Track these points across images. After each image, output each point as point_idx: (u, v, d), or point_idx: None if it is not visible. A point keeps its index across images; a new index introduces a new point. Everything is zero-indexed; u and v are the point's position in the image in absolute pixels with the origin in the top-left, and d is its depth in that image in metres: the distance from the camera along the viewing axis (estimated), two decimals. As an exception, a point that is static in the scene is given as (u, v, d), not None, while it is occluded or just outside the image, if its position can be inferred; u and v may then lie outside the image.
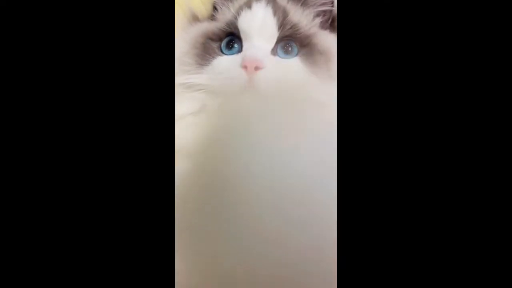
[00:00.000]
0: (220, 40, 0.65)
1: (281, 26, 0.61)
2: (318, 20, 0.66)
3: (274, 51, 0.62)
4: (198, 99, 0.61)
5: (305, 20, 0.64)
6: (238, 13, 0.63)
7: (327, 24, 0.67)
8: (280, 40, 0.62)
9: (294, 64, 0.62)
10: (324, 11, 0.66)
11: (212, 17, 0.69)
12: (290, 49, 0.63)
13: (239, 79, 0.59)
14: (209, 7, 0.71)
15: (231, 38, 0.64)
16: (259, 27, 0.61)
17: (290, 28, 0.62)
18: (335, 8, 0.66)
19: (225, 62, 0.62)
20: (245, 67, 0.58)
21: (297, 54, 0.63)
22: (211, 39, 0.65)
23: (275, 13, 0.62)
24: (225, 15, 0.66)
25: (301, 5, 0.65)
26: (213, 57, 0.63)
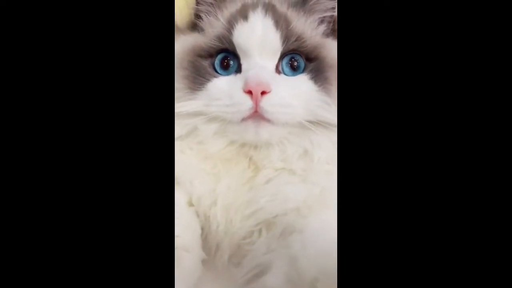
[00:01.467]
0: (211, 56, 0.55)
1: (285, 39, 0.53)
2: (322, 27, 0.57)
3: (278, 69, 0.53)
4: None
5: (309, 29, 0.56)
6: (231, 25, 0.53)
7: (330, 31, 0.59)
8: (284, 55, 0.53)
9: (302, 83, 0.53)
10: (327, 17, 0.58)
11: (194, 26, 0.59)
12: (296, 64, 0.54)
13: (244, 105, 0.50)
14: (187, 12, 0.61)
15: (225, 55, 0.54)
16: (259, 42, 0.52)
17: (295, 40, 0.53)
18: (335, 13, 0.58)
19: (223, 85, 0.52)
20: (249, 92, 0.49)
21: (304, 70, 0.54)
22: (200, 56, 0.55)
23: (276, 24, 0.53)
24: (214, 27, 0.56)
25: (303, 11, 0.56)
26: (207, 79, 0.53)
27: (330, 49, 0.56)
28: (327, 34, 0.58)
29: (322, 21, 0.57)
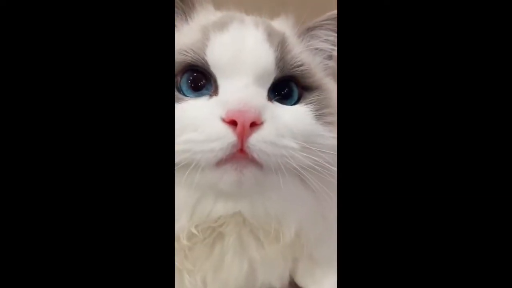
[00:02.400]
0: (175, 76, 0.39)
1: (280, 59, 0.38)
2: (325, 61, 0.44)
3: (269, 96, 0.38)
4: None
5: (311, 57, 0.42)
6: (205, 35, 0.38)
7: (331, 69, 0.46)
8: (279, 80, 0.38)
9: (301, 115, 0.38)
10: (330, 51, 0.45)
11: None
12: (287, 91, 0.39)
13: (223, 141, 0.33)
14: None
15: (193, 73, 0.38)
16: (247, 60, 0.37)
17: (295, 66, 0.39)
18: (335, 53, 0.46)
19: (192, 111, 0.35)
20: (232, 122, 0.33)
21: (297, 101, 0.40)
22: None
23: (270, 38, 0.39)
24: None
25: (306, 39, 0.43)
26: None
27: (332, 86, 0.43)
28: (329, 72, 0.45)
29: (327, 55, 0.45)
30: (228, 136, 0.33)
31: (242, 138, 0.33)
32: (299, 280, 0.51)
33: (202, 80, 0.38)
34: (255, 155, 0.33)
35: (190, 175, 0.34)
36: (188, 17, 0.42)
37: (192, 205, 0.37)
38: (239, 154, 0.33)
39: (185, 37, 0.39)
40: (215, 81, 0.37)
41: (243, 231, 0.41)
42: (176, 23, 0.42)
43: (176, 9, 0.41)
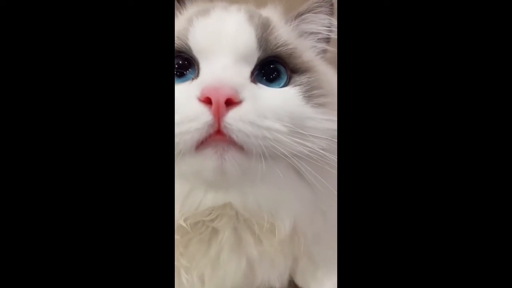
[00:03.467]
0: None
1: (262, 40, 0.37)
2: (316, 44, 0.43)
3: (254, 78, 0.37)
4: None
5: (298, 39, 0.41)
6: (189, 22, 0.38)
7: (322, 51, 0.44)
8: (263, 62, 0.37)
9: (288, 97, 0.36)
10: (322, 35, 0.44)
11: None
12: (275, 74, 0.38)
13: (199, 120, 0.32)
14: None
15: (178, 61, 0.38)
16: (227, 40, 0.36)
17: (279, 45, 0.38)
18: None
19: (176, 96, 0.35)
20: (206, 99, 0.32)
21: (287, 84, 0.38)
22: None
23: (251, 19, 0.38)
24: None
25: (294, 22, 0.42)
26: None
27: (325, 68, 0.41)
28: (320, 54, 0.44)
29: (317, 38, 0.44)
30: (204, 115, 0.31)
31: (218, 116, 0.31)
32: (299, 280, 0.48)
33: (188, 67, 0.37)
34: (233, 136, 0.32)
35: (176, 163, 0.33)
36: (179, 12, 0.42)
37: (181, 197, 0.36)
38: (218, 137, 0.32)
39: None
40: (198, 65, 0.37)
41: (238, 225, 0.39)
42: None
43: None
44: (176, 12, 0.43)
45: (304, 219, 0.39)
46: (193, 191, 0.36)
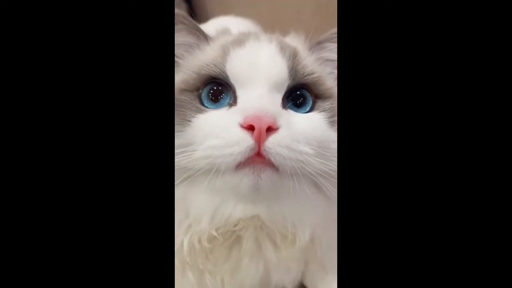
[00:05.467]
0: (197, 89, 0.42)
1: (292, 69, 0.41)
2: (333, 69, 0.47)
3: (283, 104, 0.41)
4: None
5: (321, 67, 0.45)
6: (225, 51, 0.42)
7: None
8: (292, 89, 0.42)
9: (316, 122, 0.41)
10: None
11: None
12: (302, 100, 0.42)
13: (242, 145, 0.36)
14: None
15: (213, 86, 0.42)
16: (262, 70, 0.40)
17: (306, 74, 0.42)
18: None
19: (213, 120, 0.39)
20: (249, 127, 0.36)
21: (312, 108, 0.43)
22: (185, 89, 0.42)
23: (282, 51, 0.42)
24: (197, 57, 0.45)
25: (316, 51, 0.47)
26: (192, 114, 0.39)
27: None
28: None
29: (335, 65, 0.48)
30: (247, 140, 0.35)
31: (259, 141, 0.35)
32: (308, 283, 0.53)
33: (222, 92, 0.41)
34: (271, 159, 0.36)
35: (211, 180, 0.37)
36: (209, 39, 0.46)
37: (213, 209, 0.40)
38: (257, 158, 0.36)
39: (207, 55, 0.44)
40: (234, 92, 0.41)
41: (260, 235, 0.43)
42: (198, 44, 0.46)
43: (197, 33, 0.45)
44: (203, 38, 0.46)
45: (321, 229, 0.44)
46: (223, 204, 0.40)
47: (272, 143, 0.36)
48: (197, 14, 1.09)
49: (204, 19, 0.97)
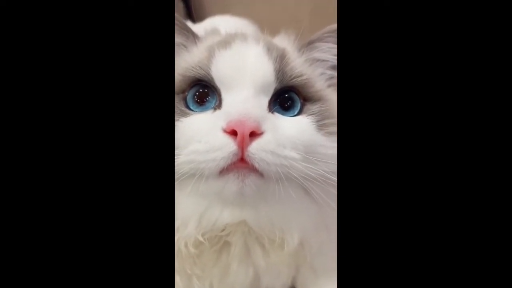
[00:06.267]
0: (183, 92, 0.41)
1: (279, 71, 0.40)
2: (327, 74, 0.46)
3: (270, 107, 0.40)
4: None
5: (311, 69, 0.44)
6: (210, 53, 0.41)
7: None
8: (279, 92, 0.41)
9: (303, 126, 0.40)
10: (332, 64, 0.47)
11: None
12: (290, 103, 0.41)
13: (224, 150, 0.35)
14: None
15: (199, 89, 0.41)
16: (248, 72, 0.39)
17: (294, 76, 0.41)
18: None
19: (197, 124, 0.38)
20: (232, 131, 0.35)
21: (300, 111, 0.42)
22: None
23: (269, 52, 0.41)
24: (184, 58, 0.44)
25: (306, 52, 0.45)
26: (176, 118, 0.39)
27: (334, 97, 0.45)
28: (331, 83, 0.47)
29: (326, 66, 0.47)
30: (229, 145, 0.35)
31: (242, 147, 0.34)
32: (299, 287, 0.52)
33: (207, 95, 0.40)
34: (255, 164, 0.35)
35: (195, 185, 0.36)
36: (197, 40, 0.45)
37: (199, 213, 0.39)
38: (241, 164, 0.35)
39: (193, 56, 0.43)
40: (219, 95, 0.40)
41: (249, 239, 0.42)
42: (186, 45, 0.45)
43: (186, 32, 0.45)
44: (192, 38, 0.45)
45: (310, 233, 0.43)
46: (210, 209, 0.39)
47: (255, 148, 0.35)
48: (195, 13, 1.08)
49: (202, 18, 0.96)
